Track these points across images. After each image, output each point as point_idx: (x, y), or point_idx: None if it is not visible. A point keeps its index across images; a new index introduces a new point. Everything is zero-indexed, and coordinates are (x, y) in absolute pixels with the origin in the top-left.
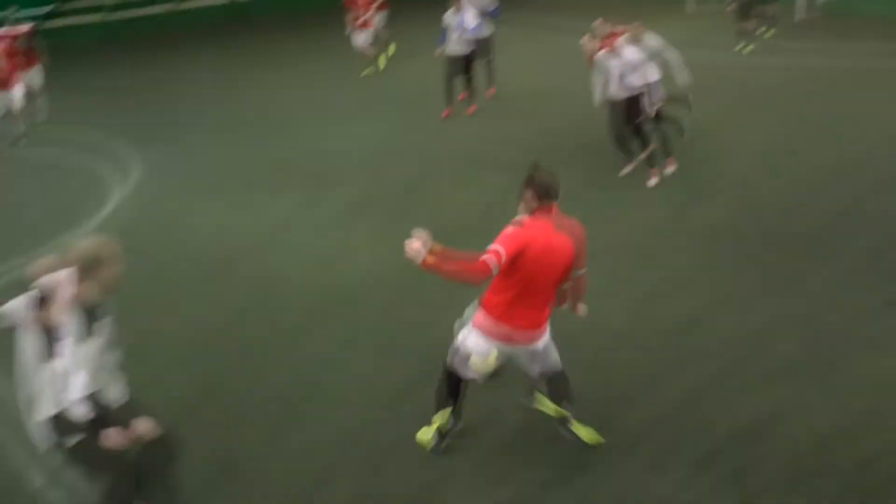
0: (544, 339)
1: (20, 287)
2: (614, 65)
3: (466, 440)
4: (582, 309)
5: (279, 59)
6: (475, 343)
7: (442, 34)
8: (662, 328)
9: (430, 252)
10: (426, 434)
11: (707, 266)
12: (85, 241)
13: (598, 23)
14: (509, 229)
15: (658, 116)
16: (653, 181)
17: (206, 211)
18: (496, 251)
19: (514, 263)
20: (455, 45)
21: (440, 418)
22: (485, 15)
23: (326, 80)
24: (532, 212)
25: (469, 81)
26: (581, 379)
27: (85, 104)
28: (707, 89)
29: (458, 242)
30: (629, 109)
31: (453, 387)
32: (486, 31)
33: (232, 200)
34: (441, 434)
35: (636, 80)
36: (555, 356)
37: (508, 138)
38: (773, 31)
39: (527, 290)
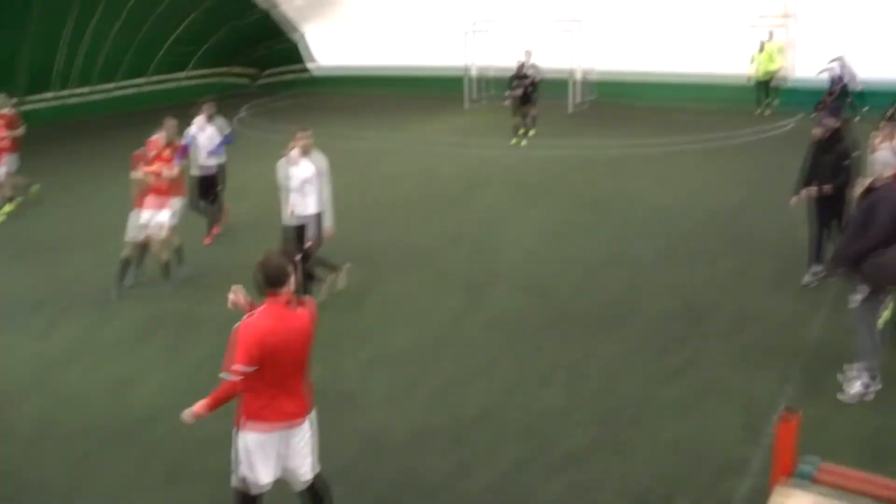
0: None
1: None
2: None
3: None
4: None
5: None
6: (254, 441)
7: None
8: (461, 419)
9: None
10: None
11: (502, 352)
12: None
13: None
14: (243, 333)
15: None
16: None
17: None
18: (236, 370)
19: (261, 362)
20: (206, 162)
21: None
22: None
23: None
24: (264, 299)
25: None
26: (382, 479)
27: None
28: (487, 181)
29: None
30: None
31: None
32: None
33: None
34: None
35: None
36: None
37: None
38: (533, 130)
39: (281, 379)
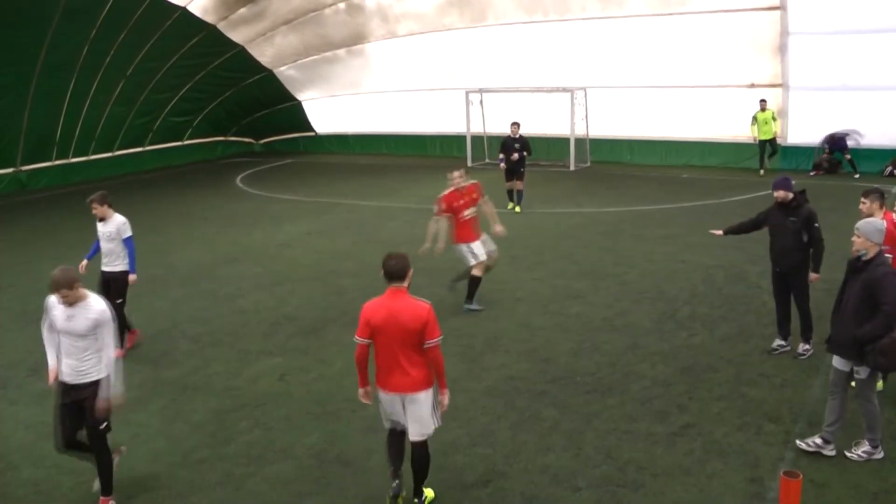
0: (421, 398)
1: None
2: None
3: None
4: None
5: None
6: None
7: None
8: (462, 484)
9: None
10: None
11: (502, 417)
12: None
13: None
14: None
15: None
16: None
17: None
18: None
19: (369, 334)
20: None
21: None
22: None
23: None
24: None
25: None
26: None
27: None
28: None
29: None
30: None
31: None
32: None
33: None
34: None
35: None
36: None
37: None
38: (518, 208)
39: (382, 351)
